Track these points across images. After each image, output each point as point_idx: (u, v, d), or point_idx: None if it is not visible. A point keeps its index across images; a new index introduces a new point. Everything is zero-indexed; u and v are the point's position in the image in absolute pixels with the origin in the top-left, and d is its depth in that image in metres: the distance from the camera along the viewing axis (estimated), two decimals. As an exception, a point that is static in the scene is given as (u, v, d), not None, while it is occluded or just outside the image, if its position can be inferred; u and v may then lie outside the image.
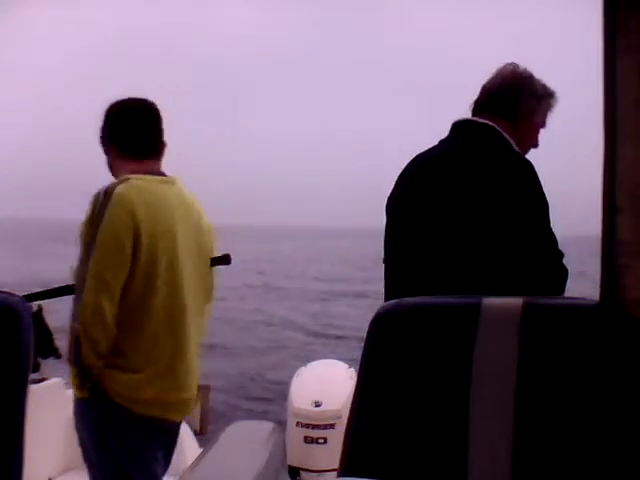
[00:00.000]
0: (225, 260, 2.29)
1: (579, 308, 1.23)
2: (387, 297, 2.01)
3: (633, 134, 1.13)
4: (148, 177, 2.09)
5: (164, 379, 2.09)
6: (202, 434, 3.70)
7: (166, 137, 2.22)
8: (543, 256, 1.88)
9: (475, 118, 2.03)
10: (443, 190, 1.92)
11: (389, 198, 2.09)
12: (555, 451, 1.15)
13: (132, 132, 2.13)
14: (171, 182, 2.15)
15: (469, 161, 1.93)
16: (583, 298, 1.27)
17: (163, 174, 2.16)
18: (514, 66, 2.07)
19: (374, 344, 1.27)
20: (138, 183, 2.04)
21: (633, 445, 1.13)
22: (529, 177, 1.89)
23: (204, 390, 3.85)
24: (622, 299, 1.19)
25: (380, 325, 1.28)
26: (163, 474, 2.31)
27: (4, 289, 1.38)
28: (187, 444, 3.30)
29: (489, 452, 1.16)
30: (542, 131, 2.11)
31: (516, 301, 1.24)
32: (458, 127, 2.04)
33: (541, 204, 1.88)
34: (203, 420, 3.78)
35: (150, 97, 2.22)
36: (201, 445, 3.28)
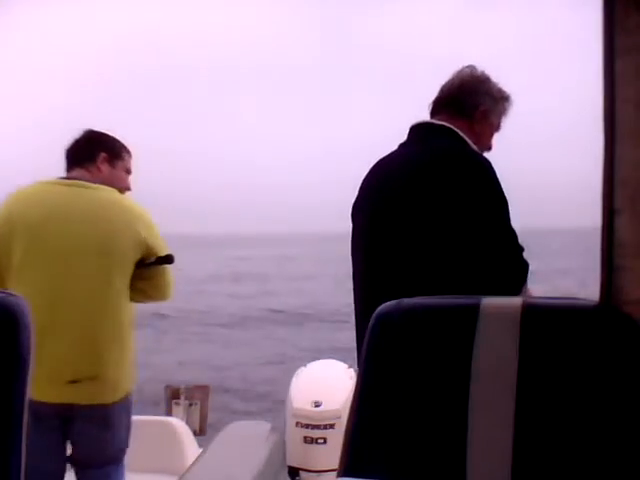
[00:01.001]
0: (168, 260, 2.52)
1: (578, 309, 1.23)
2: (357, 303, 2.03)
3: (633, 135, 1.13)
4: (46, 180, 2.45)
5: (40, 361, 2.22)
6: (202, 434, 3.72)
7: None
8: (503, 251, 1.90)
9: (432, 120, 2.06)
10: (403, 195, 1.93)
11: (353, 205, 2.12)
12: (555, 452, 1.15)
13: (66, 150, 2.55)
14: (78, 185, 2.41)
15: (427, 163, 1.94)
16: (583, 299, 1.27)
17: (75, 178, 2.45)
18: (472, 68, 2.10)
19: (374, 344, 1.27)
20: (24, 188, 2.42)
21: (633, 445, 1.13)
22: (485, 175, 1.90)
23: (203, 390, 3.86)
24: (622, 300, 1.19)
25: (380, 325, 1.28)
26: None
27: None
28: (187, 444, 3.31)
29: (489, 452, 1.16)
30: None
31: (516, 301, 1.24)
32: (416, 130, 2.07)
33: (498, 200, 1.90)
34: (202, 420, 3.79)
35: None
36: (201, 445, 3.29)
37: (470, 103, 2.05)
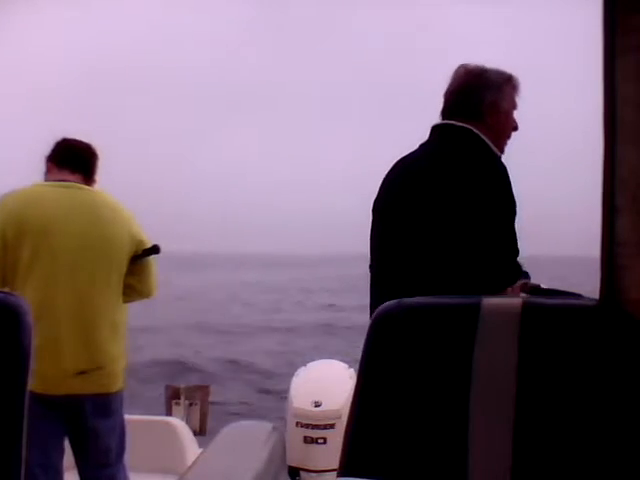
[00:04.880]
0: (154, 250, 2.61)
1: (579, 308, 1.23)
2: (372, 300, 2.05)
3: (633, 135, 1.13)
4: (43, 183, 2.56)
5: (44, 354, 2.24)
6: (202, 434, 3.73)
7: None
8: (498, 251, 1.93)
9: (453, 122, 2.06)
10: (425, 194, 1.96)
11: (374, 203, 2.14)
12: (555, 451, 1.15)
13: (60, 150, 2.63)
14: (71, 187, 2.51)
15: (449, 165, 1.97)
16: (583, 298, 1.27)
17: (67, 180, 2.53)
18: (465, 66, 2.10)
19: (374, 344, 1.28)
20: (23, 189, 2.49)
21: (633, 445, 1.13)
22: (499, 179, 1.94)
23: (203, 390, 3.87)
24: (622, 299, 1.19)
25: (380, 325, 1.28)
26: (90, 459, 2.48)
27: None
28: (187, 444, 3.32)
29: (489, 452, 1.16)
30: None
31: (516, 301, 1.24)
32: (438, 131, 2.08)
33: (508, 204, 1.94)
34: (202, 420, 3.80)
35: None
36: (201, 445, 3.29)
37: (474, 101, 2.04)
